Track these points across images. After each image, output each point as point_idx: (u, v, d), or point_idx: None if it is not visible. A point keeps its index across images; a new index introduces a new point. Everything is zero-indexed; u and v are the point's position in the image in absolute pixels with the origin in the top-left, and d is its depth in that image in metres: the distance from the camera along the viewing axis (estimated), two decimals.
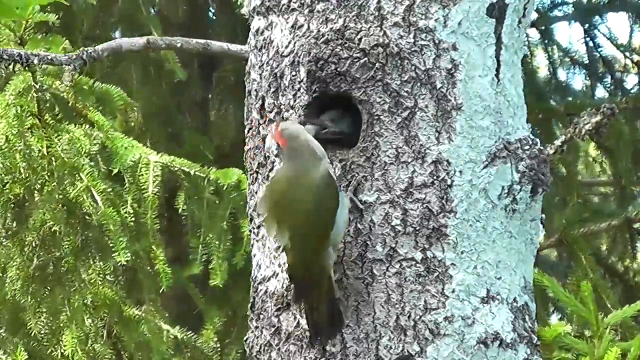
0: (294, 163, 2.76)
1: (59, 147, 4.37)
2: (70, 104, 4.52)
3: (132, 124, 5.69)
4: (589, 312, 3.66)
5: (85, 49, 4.07)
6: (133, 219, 4.47)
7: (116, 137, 4.53)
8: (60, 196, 4.39)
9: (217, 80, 6.50)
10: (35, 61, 4.03)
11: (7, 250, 4.45)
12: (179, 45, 4.22)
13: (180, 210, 4.71)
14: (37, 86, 4.35)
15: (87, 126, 4.49)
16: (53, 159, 4.39)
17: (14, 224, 4.48)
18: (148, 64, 5.91)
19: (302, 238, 2.74)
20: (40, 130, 4.40)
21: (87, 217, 4.45)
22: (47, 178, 4.40)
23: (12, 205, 4.47)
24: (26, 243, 4.44)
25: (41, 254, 4.46)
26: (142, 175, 4.50)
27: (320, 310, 2.77)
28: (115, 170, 4.50)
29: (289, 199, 2.76)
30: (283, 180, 2.79)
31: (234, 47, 4.20)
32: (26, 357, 4.27)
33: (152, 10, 6.16)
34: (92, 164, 4.43)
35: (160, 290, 4.59)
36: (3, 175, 4.37)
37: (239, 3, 4.42)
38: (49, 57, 4.05)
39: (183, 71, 5.57)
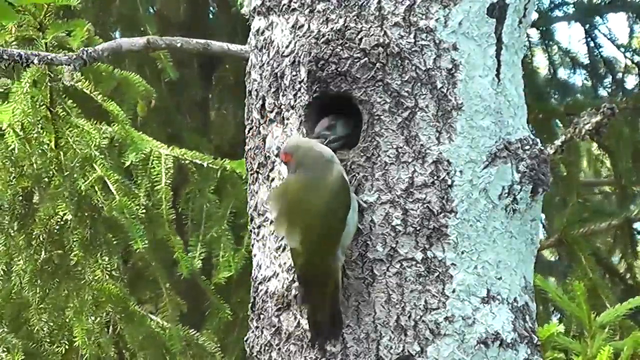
0: (307, 168, 2.75)
1: (70, 139, 4.37)
2: (73, 92, 4.51)
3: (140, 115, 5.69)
4: (582, 312, 3.67)
5: (85, 48, 4.07)
6: (144, 211, 4.47)
7: (130, 129, 4.54)
8: (71, 189, 4.39)
9: (217, 80, 6.50)
10: (35, 61, 4.02)
11: (14, 243, 4.44)
12: (179, 45, 4.21)
13: (180, 209, 4.71)
14: (52, 75, 4.35)
15: (95, 121, 4.49)
16: (62, 152, 4.39)
17: (18, 219, 4.48)
18: (147, 63, 5.90)
19: (314, 240, 2.74)
20: (51, 123, 4.40)
21: (94, 214, 4.45)
22: (55, 172, 4.40)
23: (20, 198, 4.47)
24: (33, 236, 4.44)
25: (48, 247, 4.46)
26: (153, 167, 4.50)
27: (324, 310, 2.76)
28: (128, 163, 4.50)
29: (303, 200, 2.75)
30: (296, 182, 2.77)
31: (234, 47, 4.19)
32: (23, 357, 4.27)
33: (152, 10, 6.15)
34: (102, 157, 4.44)
35: (182, 277, 4.58)
36: (10, 168, 4.37)
37: (239, 3, 4.41)
38: (49, 57, 4.04)
39: (175, 71, 5.56)
